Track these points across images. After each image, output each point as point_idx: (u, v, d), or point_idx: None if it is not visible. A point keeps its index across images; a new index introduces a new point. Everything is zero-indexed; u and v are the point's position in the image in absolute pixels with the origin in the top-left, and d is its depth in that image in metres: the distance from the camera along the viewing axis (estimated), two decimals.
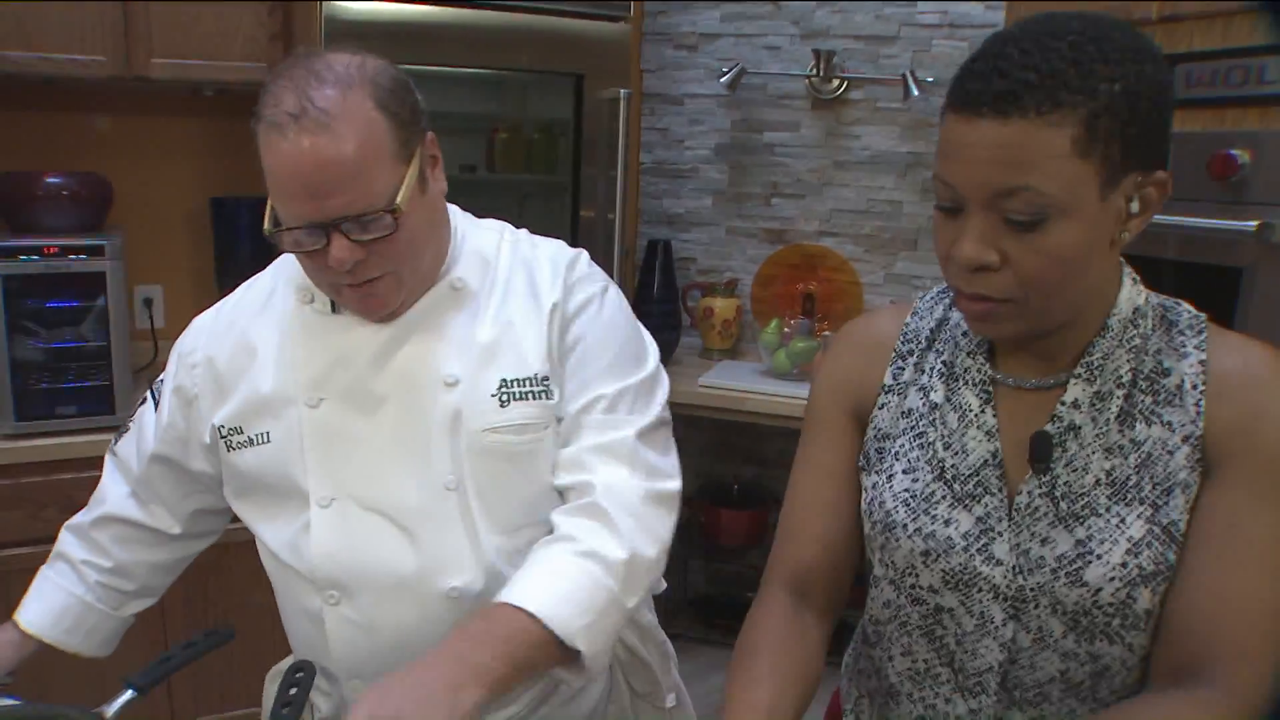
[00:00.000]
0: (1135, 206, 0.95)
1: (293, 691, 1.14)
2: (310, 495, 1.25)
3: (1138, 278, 1.06)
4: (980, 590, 1.06)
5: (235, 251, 2.91)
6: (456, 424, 1.23)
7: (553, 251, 1.35)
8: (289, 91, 1.10)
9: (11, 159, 2.67)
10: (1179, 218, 2.01)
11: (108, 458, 1.49)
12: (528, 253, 1.34)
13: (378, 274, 1.17)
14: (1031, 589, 1.03)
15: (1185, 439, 0.99)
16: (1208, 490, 0.99)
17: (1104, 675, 1.04)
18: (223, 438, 1.30)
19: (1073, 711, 1.06)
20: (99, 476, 2.39)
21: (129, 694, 1.21)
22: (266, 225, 1.19)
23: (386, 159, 1.13)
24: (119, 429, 1.52)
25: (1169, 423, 1.00)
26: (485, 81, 2.68)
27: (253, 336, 1.31)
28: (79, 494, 2.40)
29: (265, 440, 1.27)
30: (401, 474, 1.24)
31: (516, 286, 1.29)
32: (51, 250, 2.40)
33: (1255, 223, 1.86)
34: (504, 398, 1.24)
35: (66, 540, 1.46)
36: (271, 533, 1.30)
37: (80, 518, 1.46)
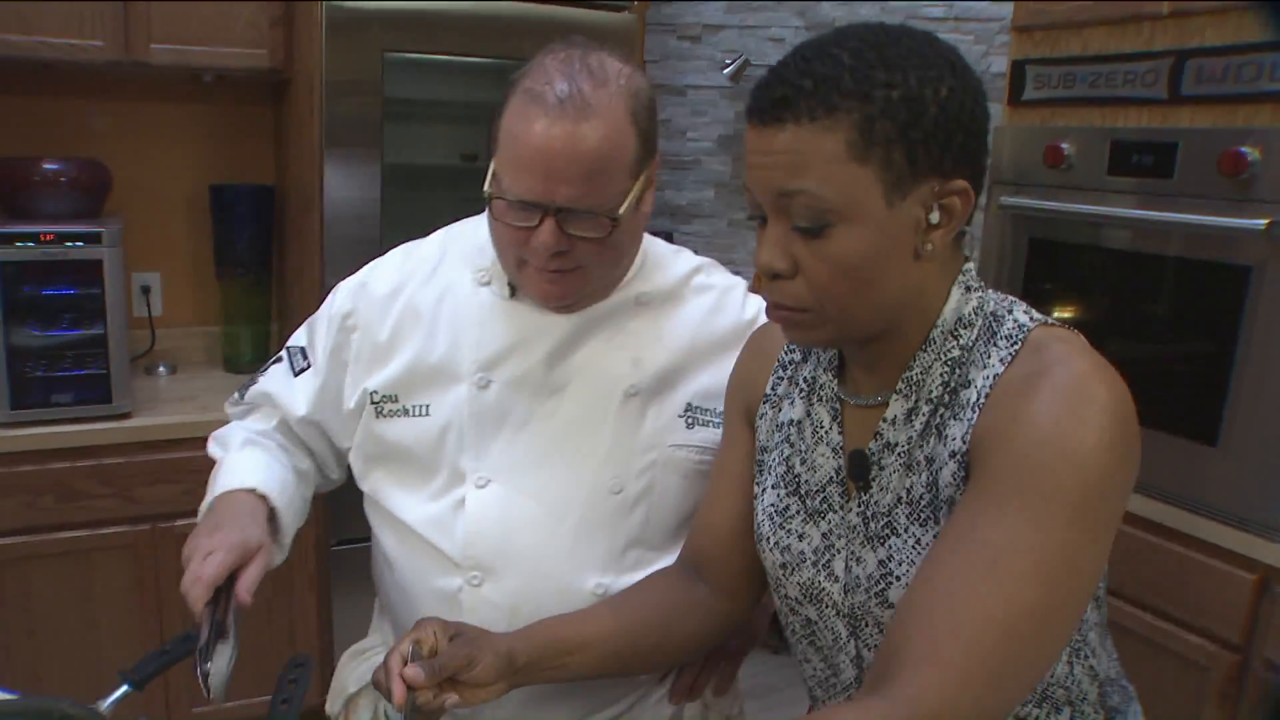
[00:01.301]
0: (935, 217, 0.93)
1: (291, 685, 1.12)
2: (467, 475, 1.25)
3: (978, 286, 1.01)
4: (826, 605, 1.07)
5: (234, 239, 2.89)
6: (637, 434, 1.25)
7: (753, 305, 1.36)
8: (562, 74, 1.13)
9: (8, 144, 2.64)
10: (1186, 215, 1.99)
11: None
12: (721, 286, 1.36)
13: (572, 266, 1.19)
14: (859, 607, 1.03)
15: (953, 455, 0.95)
16: (960, 497, 0.94)
17: None
18: (374, 403, 1.29)
19: None
20: (96, 465, 2.41)
21: (125, 688, 1.19)
22: (486, 187, 1.19)
23: (624, 168, 1.16)
24: (235, 397, 1.49)
25: (947, 437, 0.96)
26: (487, 70, 2.66)
27: (419, 306, 1.31)
28: (75, 482, 2.41)
29: (423, 413, 1.27)
30: (567, 469, 1.24)
31: (705, 316, 1.32)
32: (48, 237, 2.37)
33: (1265, 221, 1.85)
34: (689, 420, 1.28)
35: (240, 434, 1.41)
36: (411, 506, 1.28)
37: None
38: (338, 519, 2.61)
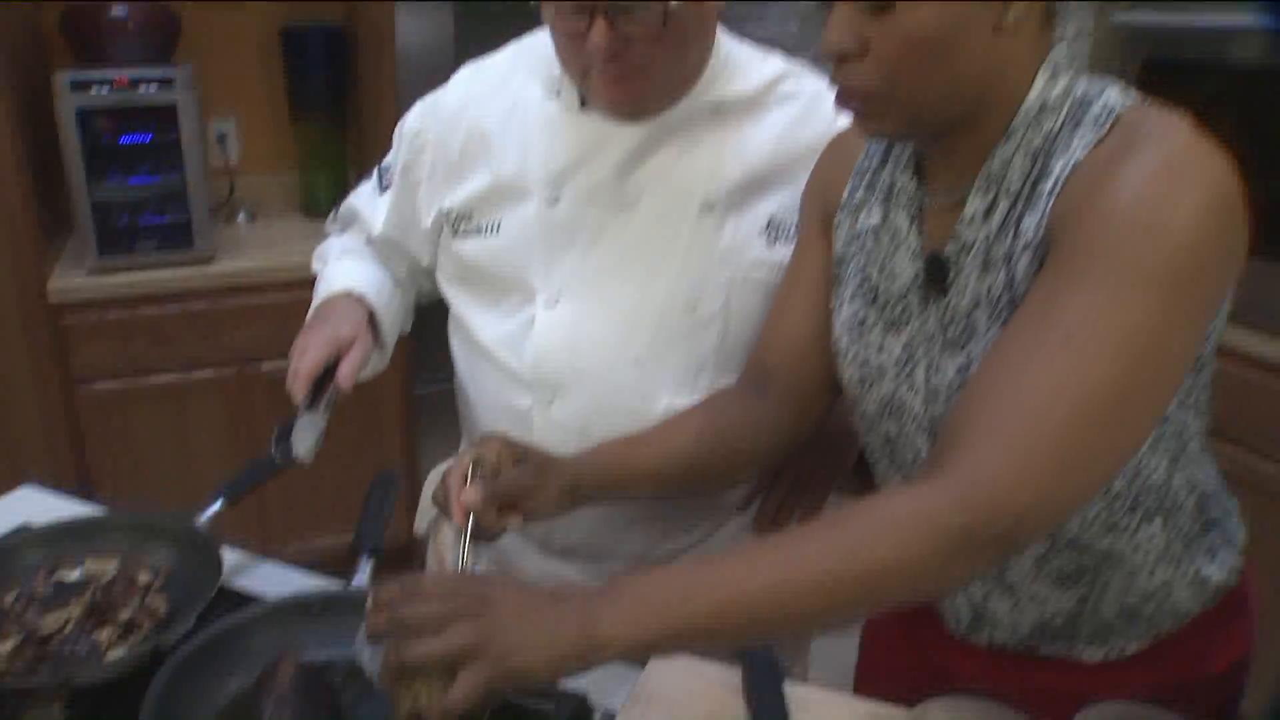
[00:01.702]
0: None
1: (379, 500, 1.11)
2: (537, 293, 1.22)
3: (1068, 69, 0.90)
4: (906, 419, 1.01)
5: (308, 83, 2.84)
6: (713, 250, 1.19)
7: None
8: None
9: None
10: None
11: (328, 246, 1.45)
12: (809, 93, 1.26)
13: (632, 67, 1.12)
14: (939, 418, 0.97)
15: (1026, 247, 0.87)
16: (1035, 281, 0.86)
17: None
18: (449, 223, 1.27)
19: None
20: (183, 310, 2.45)
21: (220, 502, 1.21)
22: None
23: None
24: (332, 215, 1.48)
25: (1023, 230, 0.88)
26: None
27: (488, 122, 1.26)
28: (165, 327, 2.45)
29: (495, 231, 1.24)
30: (638, 286, 1.20)
31: (790, 126, 1.23)
32: (122, 82, 2.36)
33: None
34: (771, 237, 1.21)
35: (337, 247, 1.42)
36: (487, 325, 1.27)
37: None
38: (424, 360, 2.62)
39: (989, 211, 0.91)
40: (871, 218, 1.04)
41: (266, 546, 1.48)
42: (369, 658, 0.89)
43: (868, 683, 1.27)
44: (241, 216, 2.85)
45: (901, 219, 0.99)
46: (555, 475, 1.06)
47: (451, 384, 1.41)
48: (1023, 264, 0.87)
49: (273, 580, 1.22)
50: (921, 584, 0.81)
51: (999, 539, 0.79)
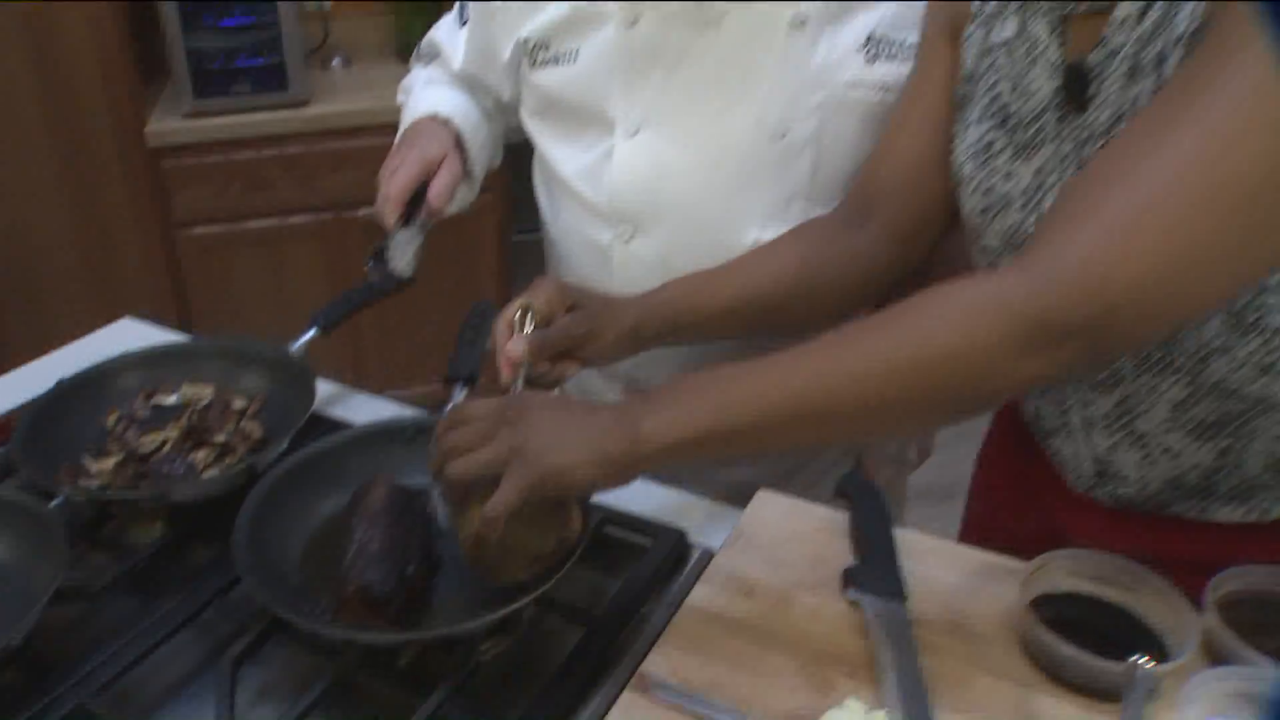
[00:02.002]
0: None
1: (475, 328, 1.07)
2: (616, 122, 1.15)
3: None
4: None
5: None
6: (805, 69, 1.10)
7: None
8: None
9: None
10: None
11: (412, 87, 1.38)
12: None
13: None
14: None
15: (1178, 40, 0.74)
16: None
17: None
18: (527, 54, 1.21)
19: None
20: (279, 154, 2.42)
21: (313, 331, 1.18)
22: None
23: None
24: (418, 50, 1.41)
25: (1177, 22, 0.75)
26: None
27: None
28: (261, 171, 2.43)
29: (572, 59, 1.17)
30: (724, 111, 1.12)
31: None
32: None
33: None
34: (870, 54, 1.10)
35: (423, 77, 1.36)
36: (568, 159, 1.21)
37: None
38: (520, 206, 2.57)
39: (1142, 14, 0.79)
40: (1007, 30, 0.92)
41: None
42: (436, 497, 0.88)
43: (973, 543, 1.21)
44: (336, 61, 2.79)
45: (1040, 28, 0.88)
46: (613, 319, 0.99)
47: None
48: (1173, 62, 0.76)
49: (366, 410, 1.20)
50: (989, 377, 0.73)
51: (1082, 334, 0.69)
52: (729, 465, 1.30)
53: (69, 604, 0.89)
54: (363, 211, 2.45)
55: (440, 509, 0.90)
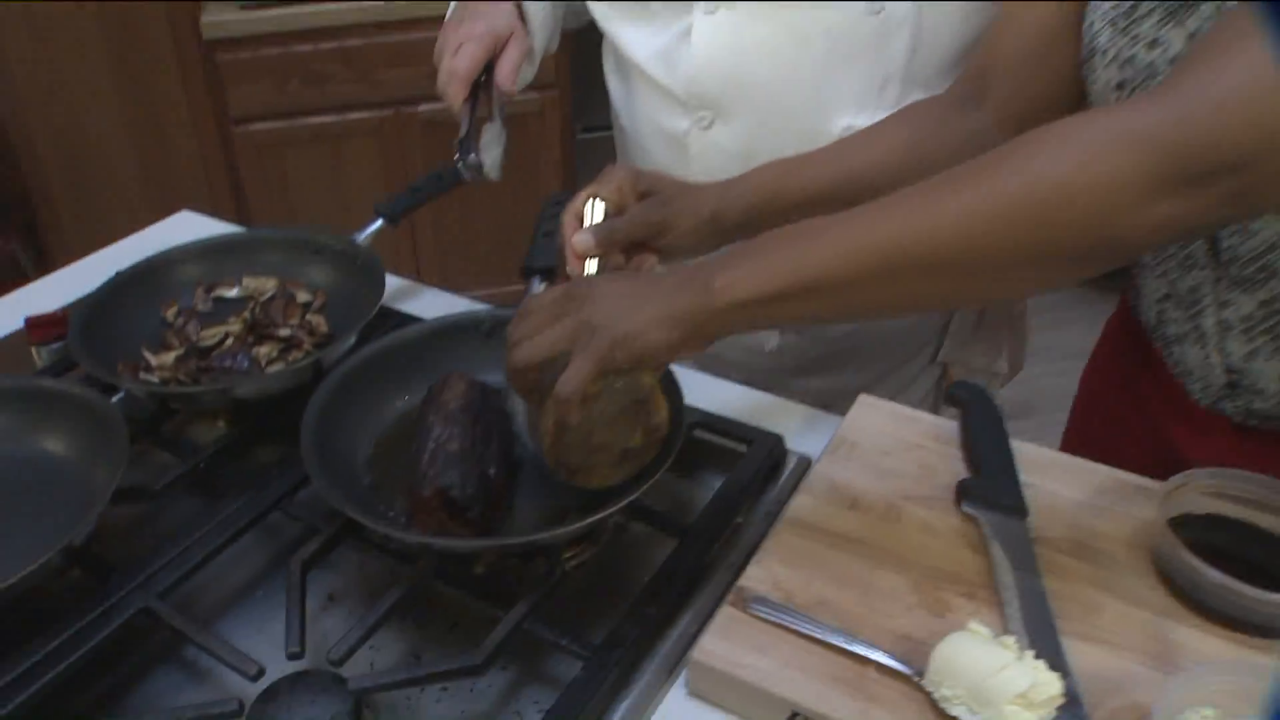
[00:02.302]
0: None
1: (553, 218, 0.99)
2: None
3: None
4: None
5: None
6: None
7: None
8: None
9: None
10: None
11: None
12: None
13: None
14: None
15: None
16: None
17: None
18: None
19: None
20: (338, 48, 2.33)
21: (379, 222, 1.11)
22: None
23: None
24: None
25: None
26: None
27: None
28: (319, 65, 2.35)
29: None
30: None
31: None
32: None
33: None
34: None
35: None
36: (641, 41, 1.12)
37: None
38: (584, 103, 2.48)
39: None
40: None
41: None
42: (513, 397, 0.81)
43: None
44: None
45: None
46: (690, 205, 0.90)
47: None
48: None
49: (436, 306, 1.13)
50: (1114, 220, 0.63)
51: (1230, 172, 0.60)
52: (808, 373, 1.23)
53: (130, 504, 0.85)
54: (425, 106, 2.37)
55: (519, 412, 0.84)
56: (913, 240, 0.66)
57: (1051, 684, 0.64)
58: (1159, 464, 0.88)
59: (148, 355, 0.97)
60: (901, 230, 0.66)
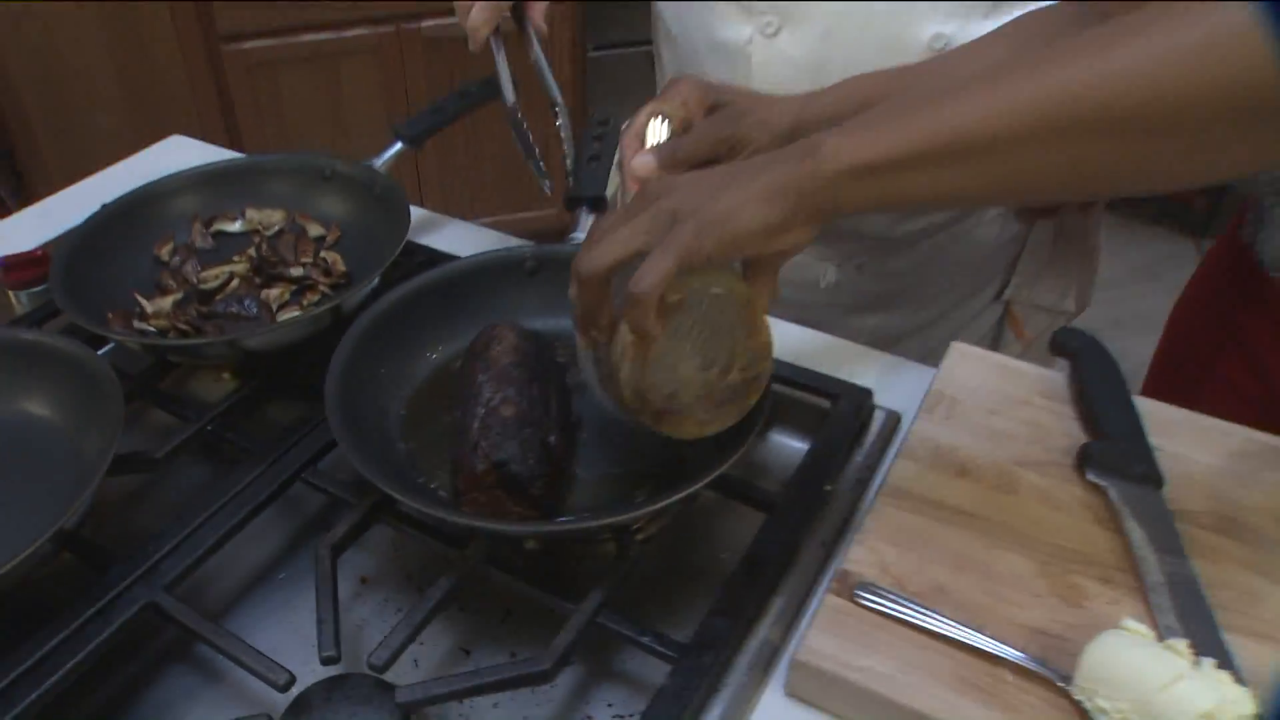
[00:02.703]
0: None
1: (597, 141, 0.87)
2: None
3: None
4: None
5: None
6: None
7: None
8: None
9: None
10: None
11: None
12: None
13: None
14: None
15: None
16: None
17: None
18: None
19: None
20: None
21: (398, 146, 0.99)
22: None
23: None
24: None
25: None
26: None
27: None
28: None
29: None
30: None
31: None
32: None
33: None
34: None
35: None
36: None
37: None
38: (595, 21, 2.32)
39: None
40: None
41: None
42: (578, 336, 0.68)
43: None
44: None
45: None
46: (766, 120, 0.78)
47: (626, 49, 1.12)
48: None
49: (466, 240, 1.01)
50: (1248, 131, 0.52)
51: None
52: (865, 311, 1.12)
53: (127, 474, 0.73)
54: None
55: (588, 364, 0.70)
56: (1083, 89, 0.53)
57: (1242, 702, 0.53)
58: (1256, 403, 0.78)
59: (141, 301, 0.85)
60: (1068, 80, 0.54)
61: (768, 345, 0.65)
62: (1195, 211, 2.90)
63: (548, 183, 0.89)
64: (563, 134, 0.87)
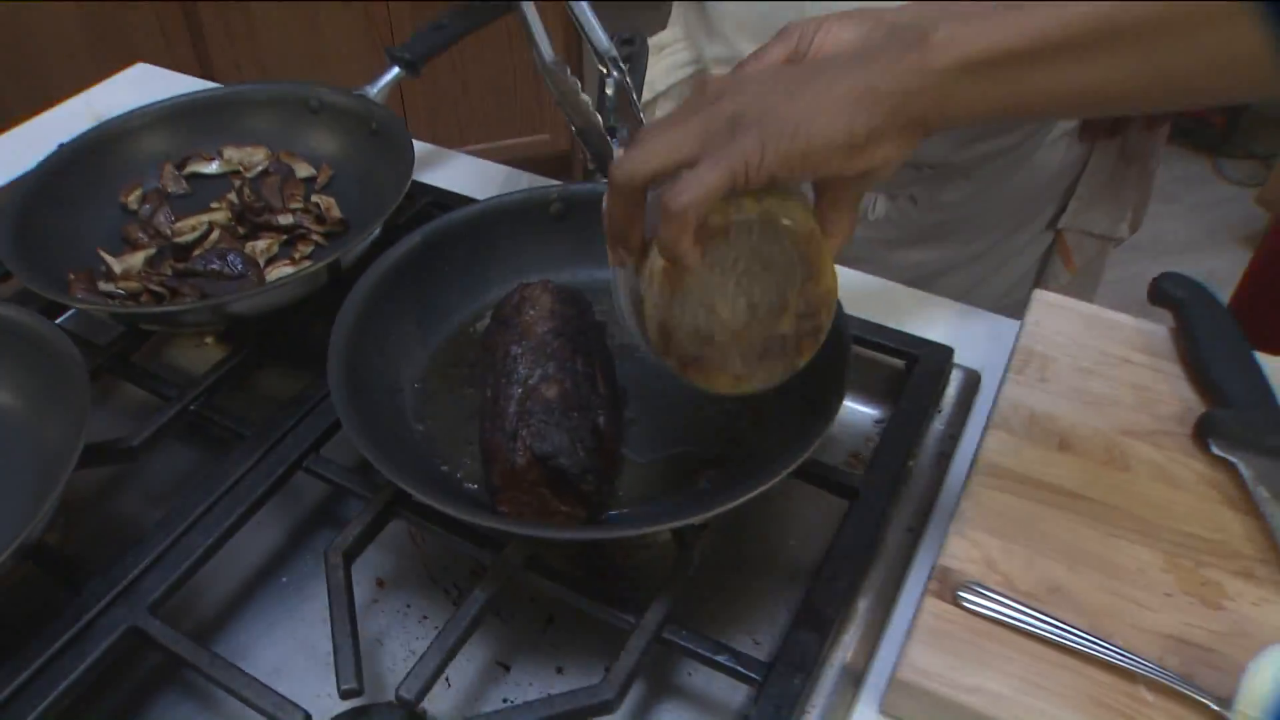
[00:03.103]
0: None
1: (621, 70, 0.75)
2: None
3: None
4: None
5: None
6: None
7: None
8: None
9: None
10: None
11: None
12: None
13: None
14: None
15: None
16: None
17: None
18: None
19: None
20: None
21: (395, 71, 0.87)
22: None
23: None
24: None
25: None
26: None
27: None
28: None
29: None
30: None
31: None
32: None
33: None
34: None
35: None
36: None
37: None
38: None
39: None
40: None
41: None
42: (614, 272, 0.56)
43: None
44: None
45: None
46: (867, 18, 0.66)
47: None
48: None
49: (473, 177, 0.89)
50: None
51: None
52: (911, 245, 1.03)
53: (99, 465, 0.63)
54: None
55: (619, 282, 0.55)
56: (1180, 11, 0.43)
57: None
58: None
59: (107, 258, 0.74)
60: None
61: (831, 293, 0.53)
62: (1213, 128, 2.79)
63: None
64: (608, 90, 0.75)
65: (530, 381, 0.55)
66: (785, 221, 0.50)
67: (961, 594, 0.55)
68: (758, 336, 0.53)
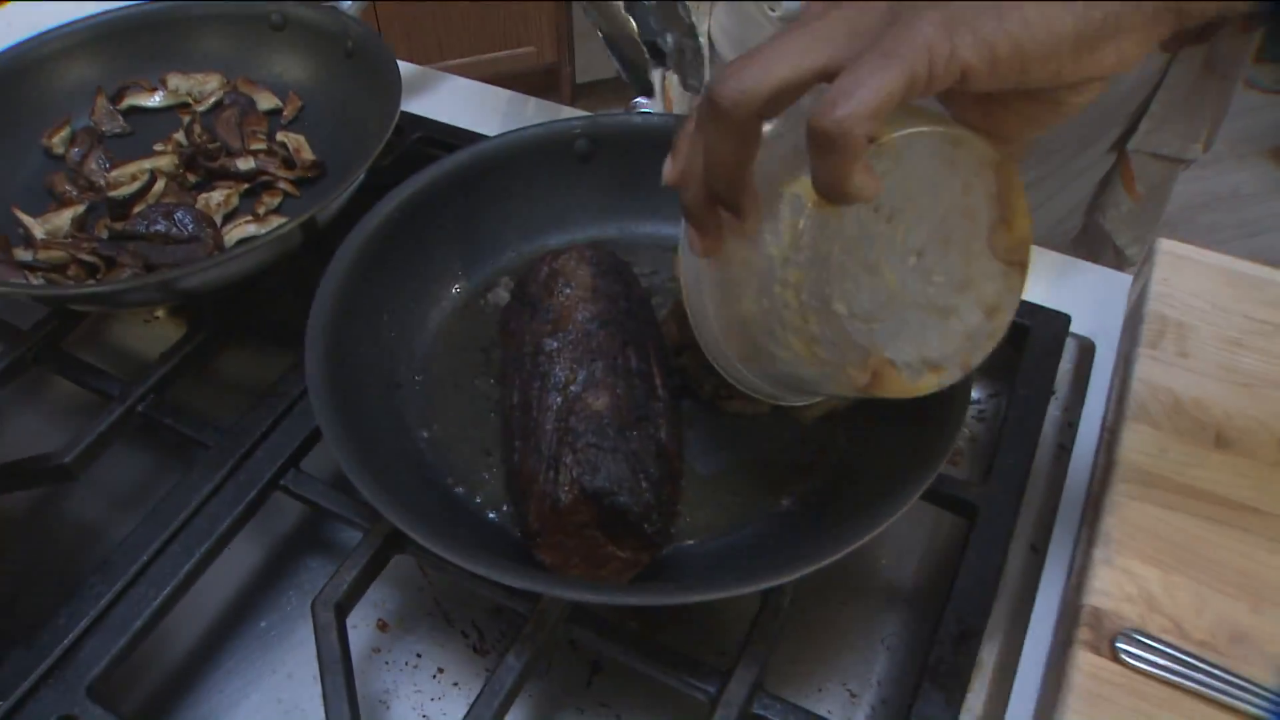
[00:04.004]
0: None
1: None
2: None
3: None
4: None
5: None
6: None
7: None
8: None
9: None
10: None
11: None
12: None
13: None
14: None
15: None
16: None
17: None
18: None
19: None
20: None
21: None
22: None
23: None
24: None
25: None
26: None
27: None
28: None
29: None
30: None
31: None
32: None
33: None
34: None
35: None
36: None
37: None
38: None
39: None
40: None
41: None
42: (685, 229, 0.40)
43: None
44: None
45: None
46: None
47: None
48: None
49: (471, 105, 0.75)
50: None
51: None
52: None
53: (22, 489, 0.50)
54: None
55: (704, 283, 0.41)
56: None
57: None
58: None
59: (24, 219, 0.60)
60: None
61: (1025, 242, 0.39)
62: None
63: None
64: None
65: (572, 388, 0.42)
66: (971, 143, 0.36)
67: (1120, 644, 0.43)
68: (936, 305, 0.39)
